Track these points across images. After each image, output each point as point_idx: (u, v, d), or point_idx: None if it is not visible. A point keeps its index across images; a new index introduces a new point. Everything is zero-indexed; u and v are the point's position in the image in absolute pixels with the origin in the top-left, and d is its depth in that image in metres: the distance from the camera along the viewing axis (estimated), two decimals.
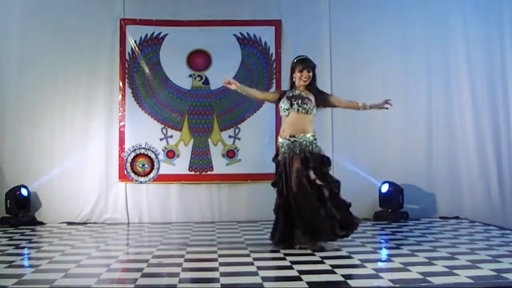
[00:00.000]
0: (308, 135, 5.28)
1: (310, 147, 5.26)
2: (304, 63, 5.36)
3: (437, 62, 7.73)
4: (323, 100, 5.43)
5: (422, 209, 7.58)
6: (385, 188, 7.38)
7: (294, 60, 5.48)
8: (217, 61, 7.56)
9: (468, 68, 7.58)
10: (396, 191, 7.37)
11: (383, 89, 7.62)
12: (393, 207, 7.34)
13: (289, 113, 5.33)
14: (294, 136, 5.27)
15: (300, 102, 5.29)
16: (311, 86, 5.40)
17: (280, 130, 5.51)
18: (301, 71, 5.33)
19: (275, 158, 5.50)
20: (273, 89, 7.43)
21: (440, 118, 7.72)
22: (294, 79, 5.41)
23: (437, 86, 7.73)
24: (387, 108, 5.49)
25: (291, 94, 5.38)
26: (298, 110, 5.28)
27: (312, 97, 5.36)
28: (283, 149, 5.33)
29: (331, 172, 5.41)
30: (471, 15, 7.56)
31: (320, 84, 7.62)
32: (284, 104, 5.36)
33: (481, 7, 7.39)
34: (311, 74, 5.37)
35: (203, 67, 7.56)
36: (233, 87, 5.35)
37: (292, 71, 5.42)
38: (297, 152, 5.22)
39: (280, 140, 5.41)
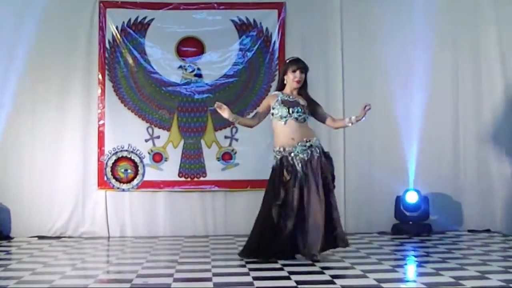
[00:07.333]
0: (315, 139, 5.65)
1: (321, 149, 5.67)
2: (298, 63, 5.66)
3: (465, 57, 7.71)
4: (312, 110, 5.74)
5: (448, 221, 7.59)
6: (413, 197, 7.33)
7: (286, 60, 5.84)
8: (211, 50, 7.58)
9: (501, 66, 7.58)
10: (421, 200, 7.35)
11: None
12: (418, 218, 7.33)
13: (286, 121, 5.59)
14: (310, 141, 5.59)
15: (300, 111, 5.58)
16: (303, 90, 5.72)
17: (280, 139, 5.62)
18: (294, 71, 5.62)
19: (284, 167, 5.58)
20: (275, 82, 7.42)
21: (468, 118, 7.70)
22: (285, 81, 5.70)
23: (464, 82, 7.70)
24: (365, 114, 5.62)
25: (286, 99, 5.63)
26: (297, 119, 5.58)
27: (305, 103, 5.65)
28: (298, 156, 5.54)
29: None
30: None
31: (330, 76, 7.58)
32: (280, 111, 5.60)
33: None
34: (303, 75, 5.66)
35: (195, 56, 7.57)
36: (225, 114, 5.55)
37: (284, 72, 5.72)
38: (315, 155, 5.56)
39: (288, 148, 5.57)
